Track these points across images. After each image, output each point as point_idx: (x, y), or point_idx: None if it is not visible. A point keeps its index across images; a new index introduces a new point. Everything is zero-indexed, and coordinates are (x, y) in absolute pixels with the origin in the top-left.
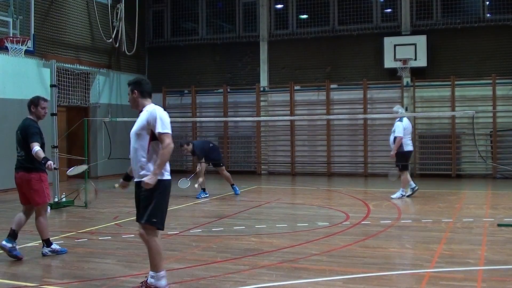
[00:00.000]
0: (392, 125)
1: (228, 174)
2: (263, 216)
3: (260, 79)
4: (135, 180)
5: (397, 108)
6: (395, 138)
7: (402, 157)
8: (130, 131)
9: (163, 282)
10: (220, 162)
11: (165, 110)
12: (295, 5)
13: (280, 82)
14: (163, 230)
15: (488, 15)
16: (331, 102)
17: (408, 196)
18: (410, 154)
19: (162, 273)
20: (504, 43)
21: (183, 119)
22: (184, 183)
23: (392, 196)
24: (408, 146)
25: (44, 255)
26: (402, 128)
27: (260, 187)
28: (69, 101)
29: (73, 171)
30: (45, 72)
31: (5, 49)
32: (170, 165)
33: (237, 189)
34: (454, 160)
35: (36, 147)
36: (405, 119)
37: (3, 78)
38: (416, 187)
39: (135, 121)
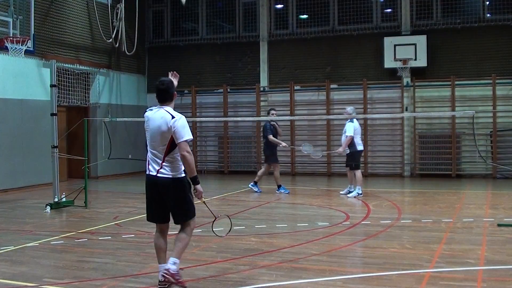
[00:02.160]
0: (392, 125)
1: (262, 172)
2: (263, 216)
3: (260, 79)
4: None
5: (351, 109)
6: (346, 137)
7: (354, 156)
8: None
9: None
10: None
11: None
12: (295, 5)
13: (280, 82)
14: (149, 221)
15: (488, 15)
16: (331, 102)
17: (345, 194)
18: (361, 153)
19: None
20: (504, 43)
21: None
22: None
23: (348, 196)
24: (360, 146)
25: None
26: (353, 129)
27: (260, 187)
28: (69, 101)
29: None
30: (45, 72)
31: (5, 49)
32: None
33: (286, 189)
34: (454, 160)
35: None
36: (355, 120)
37: (3, 78)
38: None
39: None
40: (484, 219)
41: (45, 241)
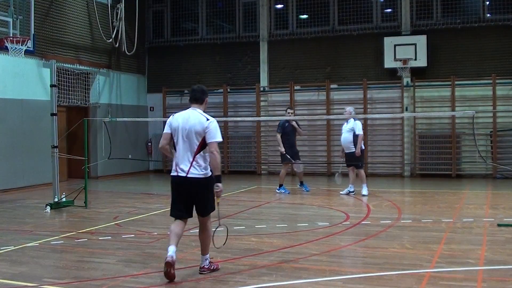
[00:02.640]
0: (392, 125)
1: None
2: (263, 216)
3: (260, 79)
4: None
5: (352, 108)
6: (355, 136)
7: (361, 155)
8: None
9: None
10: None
11: (165, 110)
12: (295, 5)
13: (280, 82)
14: (173, 217)
15: (488, 15)
16: (331, 102)
17: (345, 194)
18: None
19: None
20: (504, 43)
21: None
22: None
23: (363, 193)
24: (363, 145)
25: None
26: (361, 127)
27: (260, 187)
28: (69, 101)
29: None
30: (45, 72)
31: (5, 49)
32: (171, 164)
33: (306, 187)
34: (454, 160)
35: None
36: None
37: (3, 78)
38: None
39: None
40: (484, 219)
41: (45, 241)
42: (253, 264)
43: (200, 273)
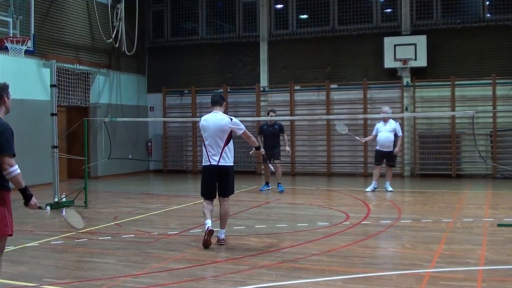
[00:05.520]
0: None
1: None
2: (263, 216)
3: (260, 79)
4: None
5: (389, 108)
6: (396, 136)
7: (395, 155)
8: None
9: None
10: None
11: (165, 110)
12: (295, 5)
13: (280, 82)
14: (203, 197)
15: (488, 15)
16: (331, 102)
17: (370, 191)
18: None
19: None
20: (504, 43)
21: (183, 119)
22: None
23: (390, 189)
24: None
25: None
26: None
27: (260, 187)
28: (69, 101)
29: None
30: (45, 72)
31: (5, 49)
32: (171, 164)
33: (269, 187)
34: (454, 160)
35: (16, 166)
36: None
37: (3, 78)
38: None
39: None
40: (484, 219)
41: (45, 241)
42: (253, 264)
43: (219, 245)
